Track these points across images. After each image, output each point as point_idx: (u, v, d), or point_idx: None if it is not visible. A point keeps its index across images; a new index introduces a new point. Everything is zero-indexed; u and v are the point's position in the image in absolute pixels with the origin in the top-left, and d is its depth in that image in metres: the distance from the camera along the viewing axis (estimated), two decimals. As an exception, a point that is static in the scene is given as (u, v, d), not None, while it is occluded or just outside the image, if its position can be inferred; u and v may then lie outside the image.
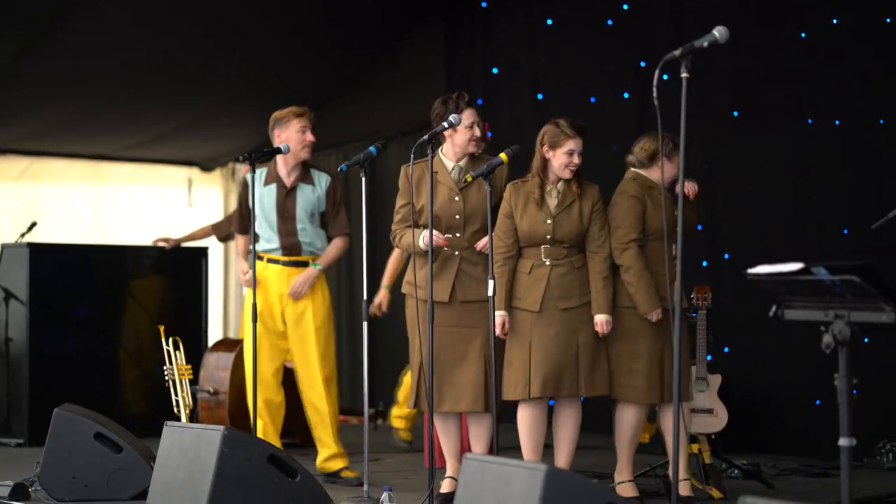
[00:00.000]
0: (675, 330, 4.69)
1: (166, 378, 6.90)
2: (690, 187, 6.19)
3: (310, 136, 6.83)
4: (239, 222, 7.03)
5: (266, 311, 6.83)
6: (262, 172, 6.83)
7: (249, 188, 6.69)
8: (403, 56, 10.19)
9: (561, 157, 6.04)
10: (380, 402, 9.02)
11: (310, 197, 6.85)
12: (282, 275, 6.85)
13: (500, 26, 9.54)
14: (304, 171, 6.89)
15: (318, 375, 6.80)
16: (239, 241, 7.09)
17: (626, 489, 6.11)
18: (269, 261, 6.86)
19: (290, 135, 6.81)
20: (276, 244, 6.84)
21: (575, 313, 6.04)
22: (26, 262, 8.47)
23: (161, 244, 8.91)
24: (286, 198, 6.82)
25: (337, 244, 6.93)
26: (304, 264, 6.86)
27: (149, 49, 9.33)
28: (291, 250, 6.84)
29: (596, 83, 8.86)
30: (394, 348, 9.89)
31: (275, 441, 6.79)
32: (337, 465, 6.81)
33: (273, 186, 6.84)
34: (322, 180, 6.91)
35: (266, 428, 6.83)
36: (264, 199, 6.82)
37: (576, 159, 6.03)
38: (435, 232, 5.93)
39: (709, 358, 7.25)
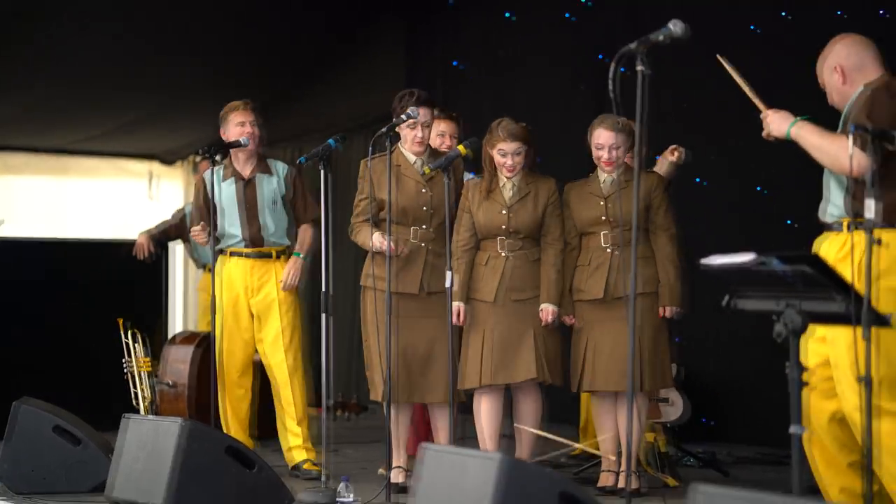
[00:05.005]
0: (630, 321, 4.72)
1: (125, 371, 6.89)
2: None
3: (248, 129, 6.83)
4: (198, 219, 6.97)
5: (231, 305, 6.83)
6: (219, 169, 6.84)
7: (208, 185, 6.71)
8: (363, 49, 10.20)
9: (497, 156, 6.11)
10: (339, 393, 9.03)
11: (270, 187, 6.87)
12: (245, 267, 6.85)
13: (461, 20, 9.57)
14: (261, 163, 6.90)
15: (284, 365, 6.80)
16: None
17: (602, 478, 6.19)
18: (233, 254, 6.87)
19: (231, 129, 6.84)
20: (239, 237, 6.85)
21: (529, 304, 6.11)
22: (-14, 256, 8.45)
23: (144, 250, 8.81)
24: (245, 190, 6.84)
25: (309, 231, 6.93)
26: (268, 256, 6.87)
27: (109, 42, 9.30)
28: (255, 242, 6.85)
29: (554, 76, 8.90)
30: (351, 340, 9.93)
31: (240, 434, 6.80)
32: (301, 455, 6.82)
33: (231, 181, 6.86)
34: (280, 168, 6.94)
35: (231, 421, 6.85)
36: (224, 195, 6.83)
37: (508, 161, 6.10)
38: (382, 238, 6.02)
39: (677, 339, 7.31)
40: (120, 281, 8.78)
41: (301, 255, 6.87)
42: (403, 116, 6.06)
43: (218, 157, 6.78)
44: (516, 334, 6.09)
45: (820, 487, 4.74)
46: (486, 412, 6.16)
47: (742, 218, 7.82)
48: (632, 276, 4.68)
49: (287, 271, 6.81)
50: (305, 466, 6.78)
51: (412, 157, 6.24)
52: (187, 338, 8.21)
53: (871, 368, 3.91)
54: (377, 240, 6.07)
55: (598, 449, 6.20)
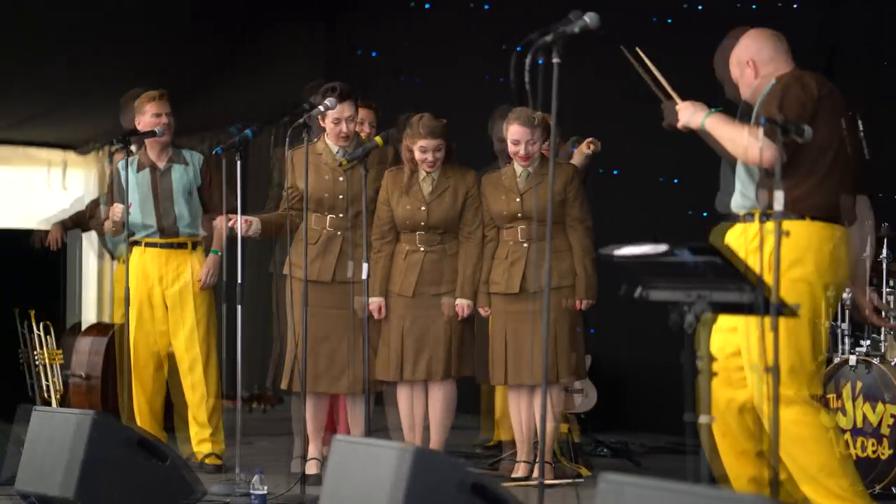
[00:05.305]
0: (545, 313, 4.74)
1: (21, 361, 6.79)
2: None
3: (164, 120, 6.78)
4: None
5: (145, 296, 6.77)
6: (133, 159, 6.78)
7: (122, 174, 6.64)
8: (279, 38, 10.15)
9: (416, 152, 6.12)
10: (254, 385, 8.99)
11: (184, 177, 6.82)
12: (160, 258, 6.79)
13: (376, 9, 9.57)
14: (175, 153, 6.85)
15: (198, 358, 6.76)
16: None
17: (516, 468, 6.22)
18: (147, 245, 6.81)
19: (146, 120, 6.77)
20: (153, 227, 6.78)
21: (445, 298, 6.16)
22: None
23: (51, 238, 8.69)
24: (160, 180, 6.78)
25: (221, 223, 6.85)
26: (183, 246, 6.81)
27: (19, 30, 9.17)
28: (169, 233, 6.79)
29: (470, 67, 8.93)
30: (265, 331, 9.89)
31: (153, 426, 6.75)
32: (206, 448, 6.78)
33: (146, 171, 6.80)
34: (195, 158, 6.89)
35: (144, 413, 6.79)
36: (138, 185, 6.76)
37: (429, 157, 6.11)
38: (239, 218, 6.01)
39: (591, 331, 7.36)
40: (26, 271, 8.66)
41: (218, 253, 6.82)
42: (321, 108, 6.05)
43: (133, 148, 6.72)
44: (432, 329, 6.14)
45: (728, 476, 4.79)
46: (406, 403, 6.21)
47: (650, 208, 7.89)
48: (546, 268, 4.71)
49: (206, 271, 6.76)
50: (208, 461, 6.73)
51: (334, 147, 6.23)
52: (99, 329, 8.13)
53: (778, 358, 3.95)
54: (235, 227, 6.07)
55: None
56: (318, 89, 6.22)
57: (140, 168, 6.80)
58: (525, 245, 6.13)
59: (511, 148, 6.15)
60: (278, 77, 10.22)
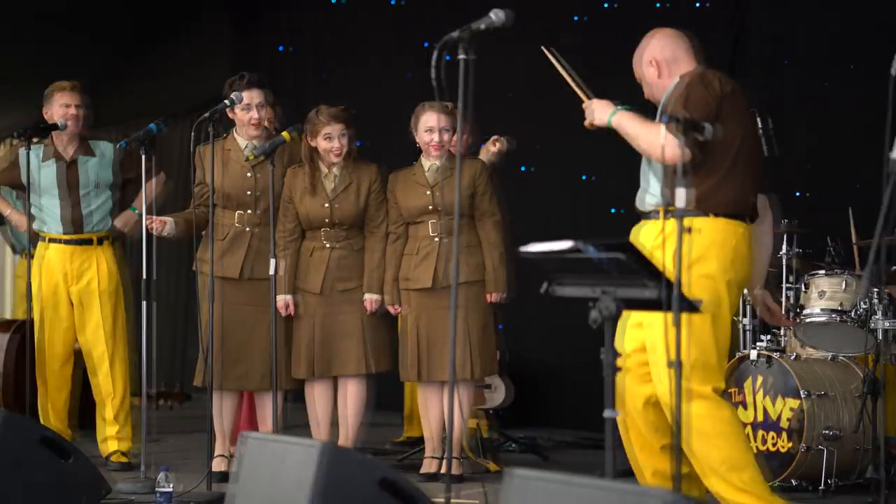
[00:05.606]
0: (452, 309, 4.76)
1: None
2: None
3: (73, 111, 6.69)
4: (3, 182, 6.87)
5: (50, 293, 6.69)
6: (39, 150, 6.68)
7: (22, 167, 6.54)
8: (189, 32, 10.09)
9: (322, 142, 6.10)
10: (162, 382, 8.93)
11: (93, 169, 6.74)
12: (65, 254, 6.70)
13: (287, 4, 9.53)
14: (86, 145, 6.76)
15: (105, 355, 6.69)
16: None
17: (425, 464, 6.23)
18: (52, 240, 6.71)
19: (55, 110, 6.69)
20: (58, 222, 6.69)
21: (356, 293, 6.16)
22: None
23: None
24: (67, 172, 6.69)
25: (150, 185, 6.56)
26: (89, 242, 6.72)
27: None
28: (75, 227, 6.70)
29: (381, 62, 8.94)
30: (175, 328, 9.81)
31: (58, 424, 6.67)
32: (113, 446, 6.72)
33: (52, 162, 6.70)
34: (106, 150, 6.80)
35: (49, 411, 6.71)
36: (44, 177, 6.66)
37: (336, 144, 6.10)
38: (143, 217, 5.96)
39: (500, 326, 7.41)
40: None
41: (136, 210, 6.70)
42: (227, 101, 6.02)
43: (35, 140, 6.62)
44: (343, 325, 6.13)
45: (634, 470, 4.85)
46: (318, 401, 6.19)
47: (567, 205, 7.95)
48: (454, 263, 4.72)
49: (123, 223, 6.67)
50: (113, 458, 6.67)
51: (243, 142, 6.20)
52: (2, 325, 8.03)
53: (683, 353, 4.01)
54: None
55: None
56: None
57: (47, 159, 6.71)
58: (437, 240, 6.14)
59: (425, 137, 6.13)
60: (192, 72, 10.16)
